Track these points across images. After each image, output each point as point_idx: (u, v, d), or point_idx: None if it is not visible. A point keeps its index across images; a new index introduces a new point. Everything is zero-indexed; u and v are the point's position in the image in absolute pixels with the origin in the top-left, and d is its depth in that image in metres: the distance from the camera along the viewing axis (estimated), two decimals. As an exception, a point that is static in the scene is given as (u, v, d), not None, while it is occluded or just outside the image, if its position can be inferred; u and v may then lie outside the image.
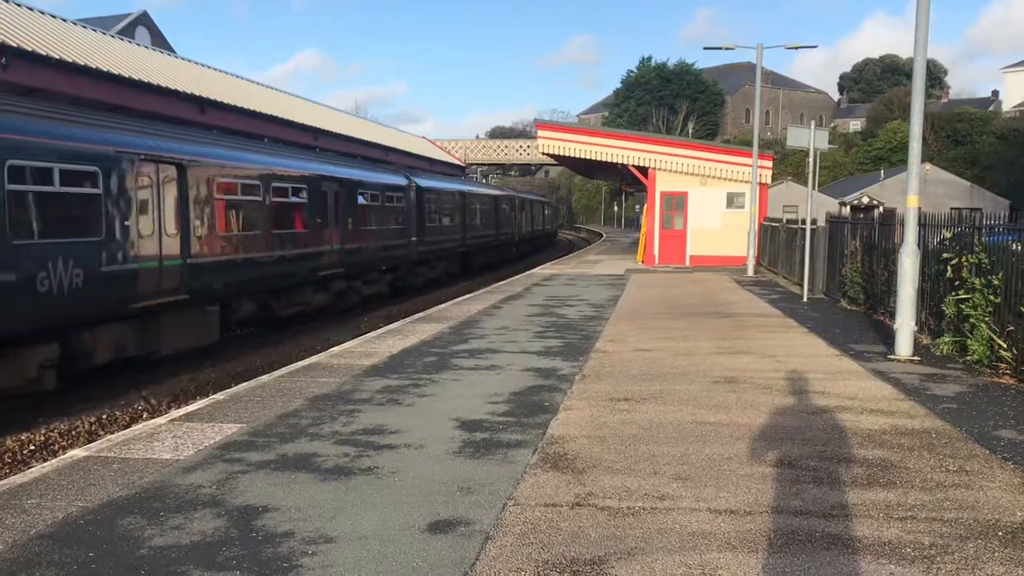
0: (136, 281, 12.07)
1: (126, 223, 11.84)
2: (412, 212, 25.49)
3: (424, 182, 27.65)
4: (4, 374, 10.11)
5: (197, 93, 23.81)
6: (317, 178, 18.66)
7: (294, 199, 17.44)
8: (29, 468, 7.33)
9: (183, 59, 30.32)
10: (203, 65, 30.66)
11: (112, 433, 9.54)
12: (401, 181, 25.22)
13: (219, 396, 8.50)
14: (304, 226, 17.82)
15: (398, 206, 24.23)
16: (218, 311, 14.67)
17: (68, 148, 10.82)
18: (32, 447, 9.73)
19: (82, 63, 19.16)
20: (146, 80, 21.53)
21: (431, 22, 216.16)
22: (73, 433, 10.33)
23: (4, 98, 11.26)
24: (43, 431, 10.28)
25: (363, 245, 21.16)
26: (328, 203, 19.03)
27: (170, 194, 12.99)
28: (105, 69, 19.96)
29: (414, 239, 25.52)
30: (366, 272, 21.84)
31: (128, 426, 10.26)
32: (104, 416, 11.02)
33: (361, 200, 21.38)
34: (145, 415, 11.15)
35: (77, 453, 6.39)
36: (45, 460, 8.74)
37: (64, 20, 22.80)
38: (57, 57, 18.33)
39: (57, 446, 9.85)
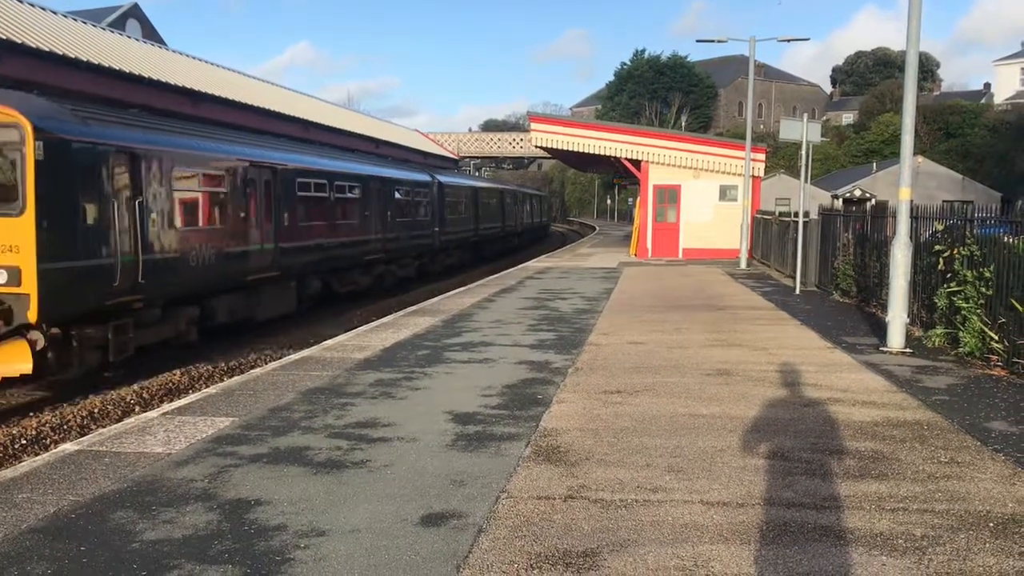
0: (247, 260, 15.50)
1: (241, 215, 15.22)
2: (435, 206, 28.53)
3: (444, 179, 30.78)
4: (166, 328, 13.46)
5: (189, 86, 23.70)
6: (366, 177, 21.86)
7: (349, 195, 20.58)
8: (20, 462, 7.31)
9: (175, 52, 30.19)
10: (195, 58, 30.53)
11: (104, 427, 9.52)
12: (426, 178, 28.38)
13: (211, 390, 8.48)
14: (356, 218, 21.05)
15: (424, 200, 27.36)
16: (295, 287, 17.84)
17: (208, 159, 14.34)
18: (24, 441, 9.70)
19: (72, 56, 19.05)
20: (137, 73, 21.42)
21: (424, 15, 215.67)
22: (64, 427, 10.30)
23: (165, 121, 14.97)
24: (34, 425, 10.24)
25: (399, 235, 24.40)
26: (373, 199, 22.18)
27: (267, 191, 16.21)
28: (96, 62, 19.85)
29: (436, 230, 28.61)
30: (400, 258, 25.10)
31: (120, 420, 10.23)
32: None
33: (397, 196, 24.57)
34: (137, 409, 11.12)
35: (68, 447, 6.37)
36: (36, 454, 8.71)
37: (54, 12, 22.68)
38: (48, 49, 18.23)
39: (48, 440, 9.82)
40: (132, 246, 12.06)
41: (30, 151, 10.33)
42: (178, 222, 13.27)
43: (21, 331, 10.44)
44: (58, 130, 10.90)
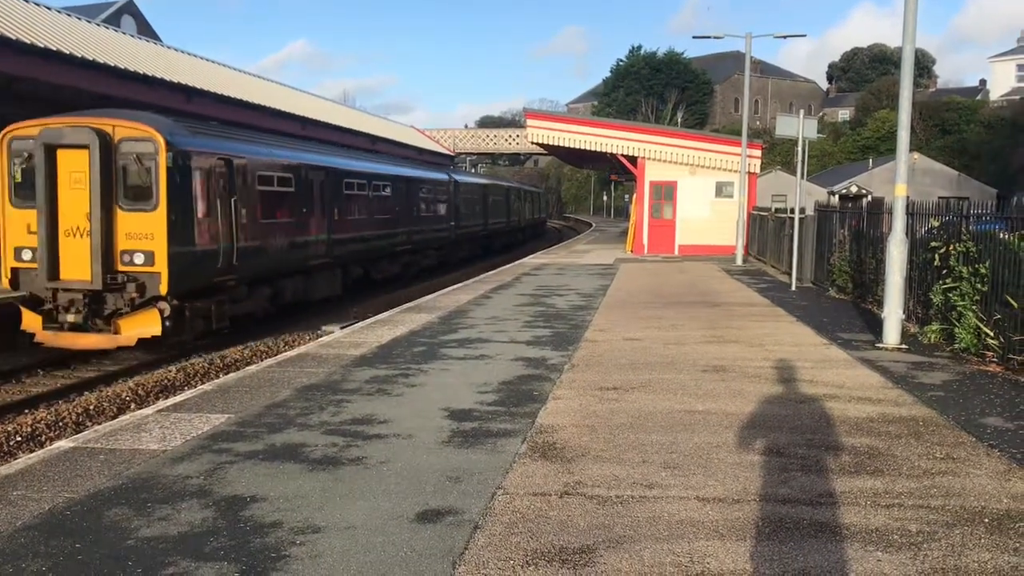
0: (308, 248, 18.26)
1: (304, 210, 18.08)
2: (452, 203, 31.59)
3: (460, 177, 34.31)
4: (250, 303, 16.08)
5: (184, 82, 23.65)
6: (396, 177, 24.97)
7: (383, 193, 23.59)
8: (15, 459, 7.29)
9: (169, 48, 30.12)
10: (189, 54, 30.47)
11: (99, 424, 9.51)
12: (445, 177, 31.63)
13: (207, 386, 8.47)
14: (389, 213, 24.03)
15: (443, 198, 30.52)
16: (340, 273, 20.44)
17: (280, 163, 17.25)
18: (19, 438, 9.68)
19: (67, 52, 18.99)
20: (132, 69, 21.36)
21: (421, 13, 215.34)
22: (60, 424, 10.28)
23: (247, 133, 18.25)
24: (30, 422, 10.23)
25: (423, 228, 27.50)
26: (403, 196, 25.34)
27: (321, 190, 19.00)
28: (90, 58, 19.80)
29: (453, 224, 31.77)
30: (424, 249, 27.99)
31: (115, 417, 10.22)
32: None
33: (421, 194, 27.56)
34: (132, 405, 11.11)
35: (64, 444, 6.36)
36: (32, 451, 8.69)
37: (49, 8, 22.61)
38: (42, 46, 18.17)
39: (44, 437, 9.81)
40: (229, 235, 14.76)
41: (162, 160, 13.09)
42: (260, 216, 16.06)
43: (152, 302, 13.22)
44: (180, 143, 13.62)
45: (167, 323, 13.24)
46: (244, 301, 15.85)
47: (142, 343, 13.46)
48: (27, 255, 13.34)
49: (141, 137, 13.17)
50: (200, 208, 14.04)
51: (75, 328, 13.25)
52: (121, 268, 13.16)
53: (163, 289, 13.14)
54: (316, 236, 18.73)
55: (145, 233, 13.15)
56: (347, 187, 20.80)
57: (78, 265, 13.14)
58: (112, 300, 13.23)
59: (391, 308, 15.57)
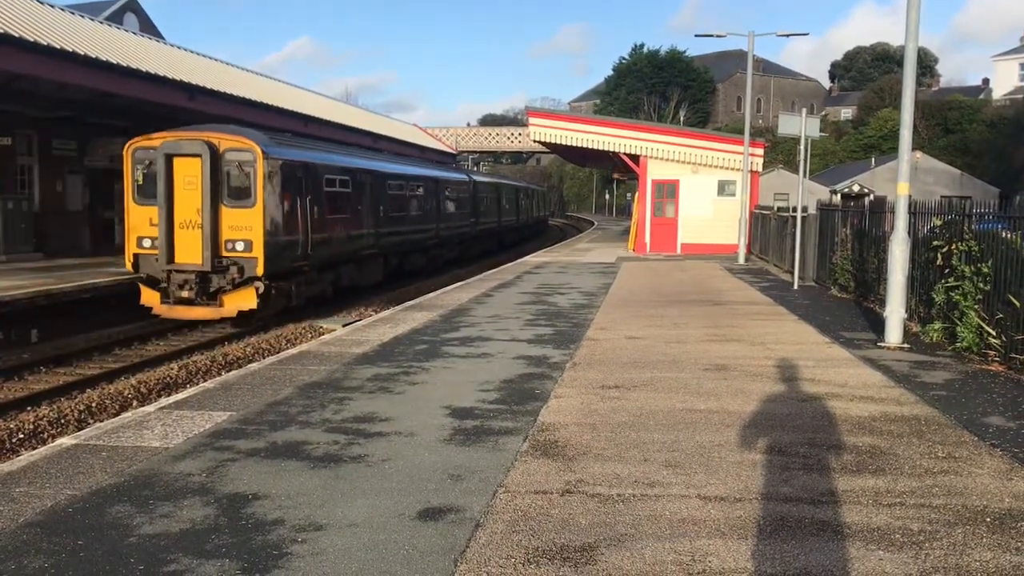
0: (360, 240, 21.25)
1: (358, 207, 21.12)
2: (471, 201, 34.65)
3: (478, 178, 38.00)
4: (317, 286, 18.94)
5: (186, 80, 23.64)
6: (426, 178, 28.30)
7: (417, 192, 26.83)
8: (18, 456, 7.30)
9: (172, 45, 30.11)
10: (192, 52, 30.47)
11: (101, 421, 9.52)
12: (465, 178, 34.88)
13: (209, 384, 8.47)
14: (422, 211, 27.28)
15: (464, 196, 33.60)
16: (383, 262, 23.53)
17: (339, 167, 20.24)
18: (21, 435, 9.70)
19: (69, 49, 18.99)
20: (134, 67, 21.36)
21: (423, 10, 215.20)
22: (62, 421, 10.30)
23: (315, 142, 21.77)
24: (32, 419, 10.24)
25: (448, 225, 30.62)
26: (431, 195, 28.47)
27: (370, 190, 21.98)
28: (93, 55, 19.79)
29: (472, 221, 34.82)
30: (448, 244, 31.05)
31: (117, 414, 10.23)
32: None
33: (446, 193, 30.62)
34: (135, 403, 11.12)
35: (66, 441, 6.36)
36: (34, 448, 8.71)
37: (52, 6, 22.62)
38: (45, 43, 18.17)
39: (46, 434, 9.82)
40: (304, 228, 17.65)
41: (259, 166, 16.04)
42: (326, 212, 18.94)
43: (249, 281, 16.10)
44: (272, 152, 16.60)
45: (260, 299, 16.25)
46: (314, 284, 18.87)
47: (233, 318, 16.67)
48: (147, 243, 16.30)
49: (242, 148, 16.22)
50: (286, 205, 17.05)
51: (186, 302, 16.21)
52: (225, 254, 16.14)
53: (259, 271, 16.11)
54: (366, 230, 21.80)
55: (245, 225, 16.11)
56: (389, 188, 23.89)
57: (190, 251, 16.09)
58: (217, 280, 16.16)
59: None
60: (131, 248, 16.56)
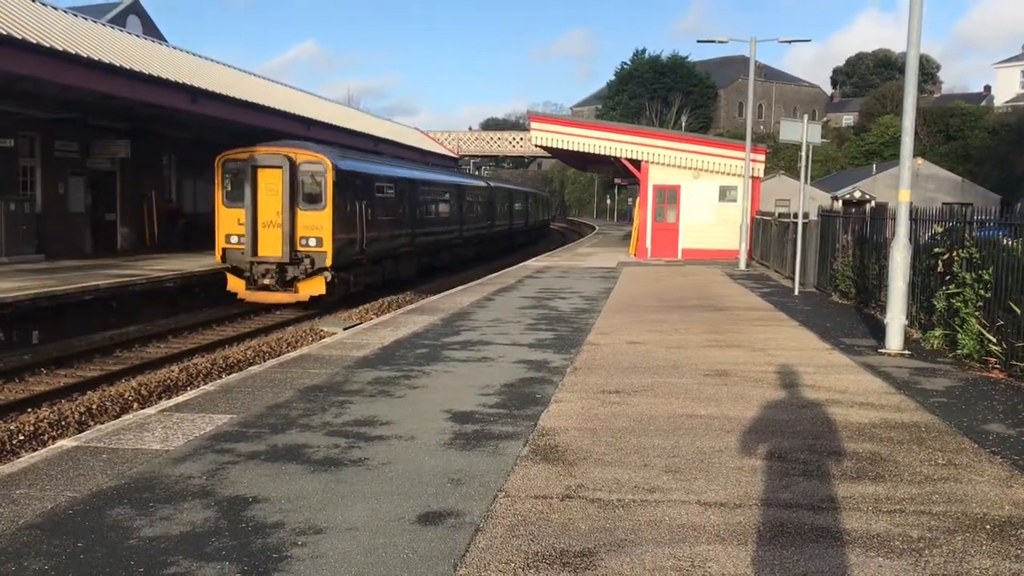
0: (401, 239, 25.00)
1: (400, 211, 24.89)
2: (489, 205, 38.78)
3: (494, 183, 43.18)
4: (370, 277, 22.31)
5: (189, 83, 23.65)
6: (452, 185, 32.45)
7: (445, 198, 30.80)
8: (19, 458, 7.30)
9: (175, 48, 30.15)
10: (194, 54, 30.50)
11: (102, 423, 9.52)
12: (483, 184, 39.95)
13: (209, 387, 8.47)
14: (448, 214, 31.21)
15: (482, 201, 37.62)
16: (417, 259, 27.06)
17: (387, 176, 24.03)
18: (22, 437, 9.70)
19: (72, 51, 19.01)
20: (137, 69, 21.38)
21: (427, 14, 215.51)
22: (62, 423, 10.30)
23: (368, 155, 26.36)
24: (33, 421, 10.25)
25: (469, 227, 34.35)
26: (455, 201, 32.19)
27: (409, 196, 25.86)
28: (96, 58, 19.81)
29: (489, 223, 38.75)
30: (469, 244, 34.73)
31: (118, 416, 10.23)
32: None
33: (468, 198, 34.56)
34: (135, 405, 11.12)
35: (66, 443, 6.36)
36: (34, 450, 8.71)
37: (55, 8, 22.65)
38: (48, 45, 18.19)
39: (47, 436, 9.82)
40: (361, 228, 21.12)
41: (329, 176, 19.50)
42: (376, 215, 22.29)
43: (319, 271, 19.38)
44: (338, 164, 20.11)
45: (327, 286, 19.45)
46: (368, 275, 22.25)
47: (306, 301, 19.79)
48: (234, 239, 19.59)
49: (315, 161, 19.63)
50: (348, 209, 20.38)
51: (267, 289, 19.38)
52: (299, 248, 19.35)
53: (328, 263, 19.40)
54: (405, 231, 25.51)
55: (316, 225, 19.39)
56: (422, 193, 27.59)
57: (272, 246, 19.29)
58: (292, 270, 19.30)
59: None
60: (220, 244, 19.81)
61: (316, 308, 19.93)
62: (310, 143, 21.74)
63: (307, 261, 19.30)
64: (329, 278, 19.42)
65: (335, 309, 20.20)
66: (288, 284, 19.37)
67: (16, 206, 21.50)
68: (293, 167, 19.27)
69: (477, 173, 68.43)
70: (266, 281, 19.29)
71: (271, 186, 19.27)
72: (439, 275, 28.59)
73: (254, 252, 19.25)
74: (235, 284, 19.76)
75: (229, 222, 19.63)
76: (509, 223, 44.21)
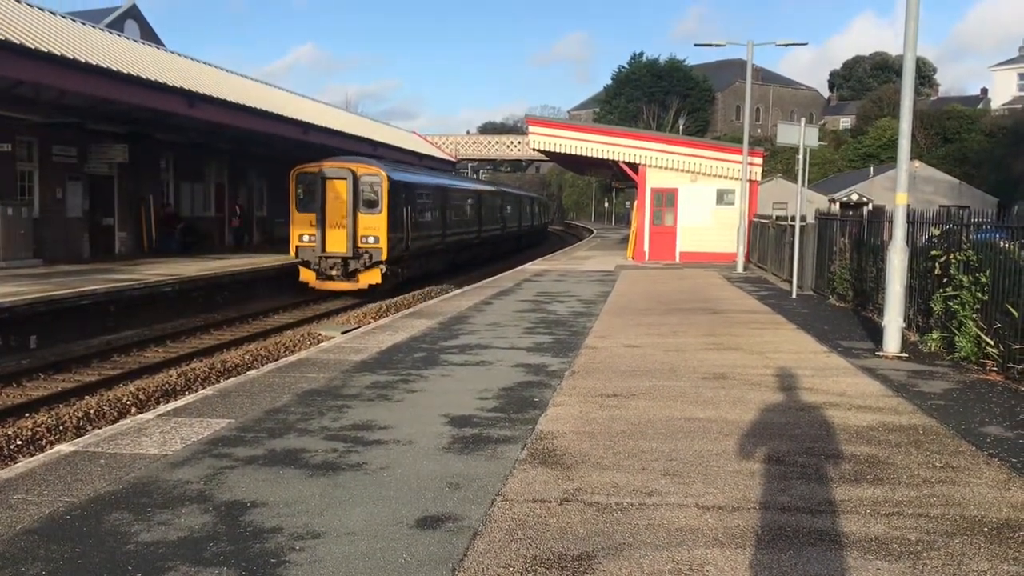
0: (436, 239, 29.16)
1: (436, 214, 29.12)
2: (502, 209, 43.09)
3: (506, 189, 48.28)
4: (411, 271, 25.94)
5: (186, 87, 23.66)
6: (473, 191, 37.26)
7: (468, 203, 35.21)
8: (16, 463, 7.29)
9: (172, 53, 30.16)
10: (192, 58, 30.50)
11: (100, 428, 9.50)
12: (496, 190, 44.43)
13: (207, 391, 8.47)
14: (470, 217, 35.44)
15: (496, 205, 41.92)
16: (445, 257, 31.27)
17: (425, 184, 28.24)
18: (19, 442, 9.69)
19: (70, 56, 19.02)
20: (135, 74, 21.39)
21: (425, 19, 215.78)
22: (60, 428, 10.28)
23: (411, 167, 32.70)
24: (30, 426, 10.23)
25: (487, 228, 38.77)
26: (475, 205, 36.43)
27: (442, 201, 30.02)
28: (94, 62, 19.82)
29: (502, 226, 42.85)
30: (486, 244, 39.19)
31: (116, 421, 10.22)
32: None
33: (485, 202, 38.55)
34: (133, 410, 11.11)
35: (64, 448, 6.36)
36: (32, 455, 8.70)
37: (53, 13, 22.65)
38: (45, 50, 18.20)
39: (44, 441, 9.81)
40: (407, 229, 25.14)
41: (384, 185, 23.49)
42: (417, 218, 26.37)
43: (376, 265, 23.44)
44: (391, 175, 24.18)
45: (382, 277, 23.61)
46: (412, 268, 26.46)
47: (365, 289, 23.79)
48: (306, 238, 23.54)
49: (373, 173, 23.76)
50: (398, 212, 24.38)
51: (333, 279, 23.44)
52: (360, 246, 23.40)
53: (383, 257, 23.55)
54: (438, 231, 29.51)
55: (374, 226, 23.45)
56: (451, 200, 31.76)
57: (338, 244, 23.34)
58: (354, 264, 23.45)
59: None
60: (294, 242, 23.81)
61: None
62: (368, 158, 26.64)
63: (366, 256, 23.43)
64: (384, 270, 23.65)
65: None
66: (351, 275, 23.44)
67: (14, 211, 21.48)
68: (355, 178, 23.33)
69: (475, 177, 68.65)
70: (333, 273, 23.39)
71: (337, 194, 23.29)
72: (462, 272, 31.88)
73: (323, 249, 23.31)
74: (306, 275, 23.78)
75: (301, 224, 23.61)
76: (518, 225, 48.76)
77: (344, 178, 23.27)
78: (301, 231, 23.59)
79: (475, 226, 36.03)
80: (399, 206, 24.44)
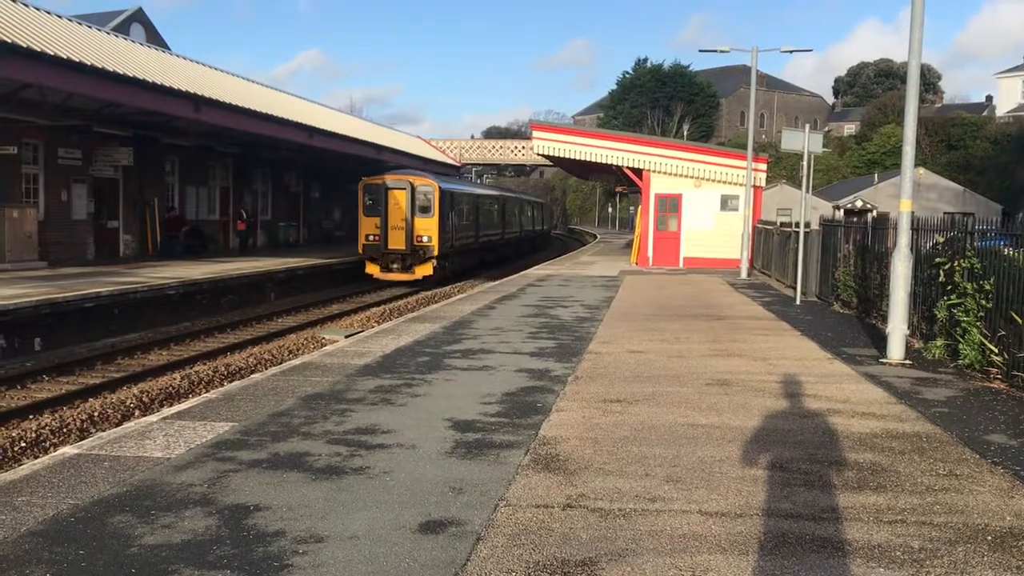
0: (470, 239, 33.92)
1: (472, 218, 34.00)
2: (519, 214, 47.98)
3: (522, 196, 54.04)
4: (453, 266, 31.03)
5: (192, 91, 23.73)
6: (498, 197, 42.01)
7: (494, 208, 39.94)
8: (20, 465, 7.31)
9: (178, 56, 30.24)
10: (198, 62, 30.59)
11: (103, 431, 9.53)
12: (516, 196, 50.22)
13: (211, 395, 8.48)
14: (496, 220, 40.23)
15: (515, 210, 46.38)
16: (476, 256, 35.83)
17: (463, 192, 33.85)
18: (23, 444, 9.71)
19: (76, 59, 19.09)
20: (141, 77, 21.46)
21: (431, 24, 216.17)
22: (64, 430, 10.31)
23: (452, 178, 43.16)
24: (34, 428, 10.26)
25: (508, 231, 43.69)
26: (499, 210, 41.22)
27: (474, 206, 34.40)
28: (100, 66, 19.89)
29: (519, 229, 47.62)
30: (508, 246, 43.93)
31: (119, 424, 10.24)
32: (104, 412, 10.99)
33: (507, 207, 43.46)
34: (137, 413, 11.13)
35: (68, 451, 6.37)
36: (36, 457, 8.72)
37: (59, 16, 22.73)
38: (52, 53, 18.27)
39: (48, 443, 9.83)
40: (451, 230, 29.97)
41: (436, 195, 28.37)
42: (458, 221, 31.37)
43: (429, 259, 28.16)
44: (441, 186, 29.09)
45: (434, 270, 28.49)
46: (454, 264, 31.23)
47: (419, 280, 28.76)
48: (371, 238, 28.32)
49: (427, 184, 28.74)
50: (446, 216, 29.44)
51: (393, 271, 28.37)
52: (416, 244, 28.25)
53: (435, 253, 28.43)
54: (471, 233, 34.25)
55: (427, 228, 28.42)
56: (482, 205, 36.63)
57: (398, 241, 28.24)
58: (412, 258, 28.28)
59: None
60: (362, 240, 28.62)
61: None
62: (423, 172, 31.92)
63: (421, 252, 28.30)
64: (435, 264, 28.61)
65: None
66: (408, 268, 28.42)
67: (19, 213, 21.55)
68: (412, 188, 28.29)
69: (479, 181, 68.74)
70: (395, 266, 28.39)
71: (397, 201, 28.14)
72: (488, 270, 36.12)
73: (385, 246, 28.19)
74: (371, 268, 28.70)
75: (367, 226, 28.41)
76: (531, 228, 54.42)
77: (403, 188, 28.13)
78: (367, 231, 28.30)
79: (499, 229, 41.26)
80: (447, 211, 29.40)
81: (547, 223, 65.29)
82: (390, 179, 28.33)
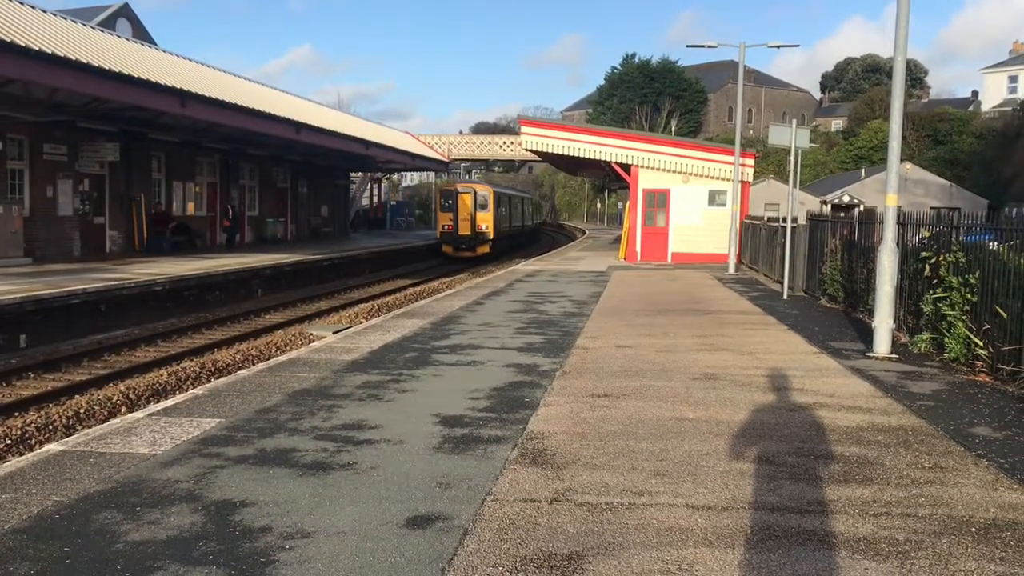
0: (501, 230, 43.05)
1: (501, 212, 43.47)
2: (525, 209, 54.92)
3: (524, 194, 59.89)
4: (499, 248, 42.58)
5: (178, 86, 23.56)
6: (513, 195, 49.68)
7: (512, 203, 47.39)
8: (5, 462, 7.26)
9: (165, 52, 30.05)
10: (185, 58, 30.39)
11: (89, 427, 9.48)
12: (523, 194, 58.20)
13: (198, 391, 8.45)
14: (511, 214, 47.08)
15: (522, 206, 53.22)
16: (507, 241, 45.82)
17: (502, 193, 45.55)
18: (8, 441, 9.65)
19: (61, 54, 18.93)
20: (127, 72, 21.30)
21: (420, 20, 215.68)
22: (50, 427, 10.25)
23: (494, 182, 65.96)
24: (20, 425, 10.20)
25: (518, 224, 50.79)
26: (510, 205, 47.05)
27: (498, 203, 42.14)
28: (85, 61, 19.73)
29: (521, 223, 53.21)
30: (523, 234, 53.33)
31: (105, 420, 10.19)
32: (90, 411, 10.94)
33: (516, 204, 50.38)
34: (123, 409, 11.08)
35: (53, 447, 6.34)
36: (21, 454, 8.66)
37: (44, 11, 22.55)
38: (37, 48, 18.11)
39: (34, 440, 9.78)
40: (497, 221, 40.91)
41: (491, 197, 40.57)
42: (497, 215, 40.98)
43: (487, 242, 40.23)
44: (495, 190, 42.37)
45: (489, 249, 39.53)
46: (499, 246, 40.91)
47: (478, 256, 39.81)
48: (446, 227, 39.62)
49: (485, 190, 40.68)
50: (496, 211, 40.35)
51: (462, 250, 39.52)
52: (478, 230, 39.32)
53: (491, 238, 39.68)
54: (502, 224, 42.35)
55: (486, 219, 39.66)
56: (503, 203, 43.75)
57: (465, 229, 39.27)
58: (474, 241, 39.42)
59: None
60: (439, 229, 40.15)
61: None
62: (483, 181, 43.16)
63: (481, 236, 39.31)
64: (490, 246, 39.57)
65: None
66: (472, 248, 39.34)
67: (4, 209, 21.40)
68: (475, 192, 39.98)
69: (468, 177, 68.78)
70: (463, 247, 39.34)
71: (465, 202, 39.30)
72: (510, 255, 44.07)
73: (457, 233, 39.27)
74: (446, 248, 39.72)
75: (443, 219, 39.74)
76: (532, 222, 61.94)
77: (469, 193, 39.97)
78: (443, 222, 39.82)
79: (519, 221, 51.21)
80: (496, 208, 40.46)
81: (534, 219, 68.39)
82: (460, 186, 41.08)
